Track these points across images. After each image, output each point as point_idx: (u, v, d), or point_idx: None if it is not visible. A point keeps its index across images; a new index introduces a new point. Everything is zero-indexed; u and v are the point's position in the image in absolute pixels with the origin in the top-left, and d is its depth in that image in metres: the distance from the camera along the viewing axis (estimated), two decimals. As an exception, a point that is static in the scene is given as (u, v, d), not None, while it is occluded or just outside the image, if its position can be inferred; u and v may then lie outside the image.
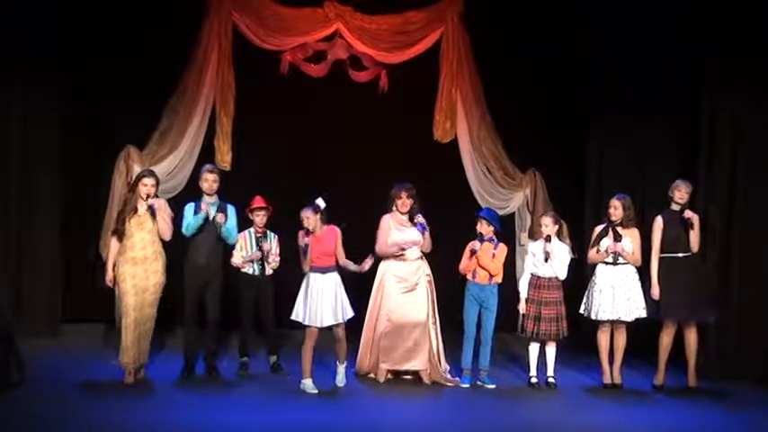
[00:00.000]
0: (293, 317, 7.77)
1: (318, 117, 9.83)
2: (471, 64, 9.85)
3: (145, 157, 9.57)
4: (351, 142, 9.82)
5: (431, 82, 9.85)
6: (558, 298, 8.06)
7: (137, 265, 7.43)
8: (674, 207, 8.04)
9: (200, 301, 8.01)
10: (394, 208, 8.07)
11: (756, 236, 8.48)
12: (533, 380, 8.14)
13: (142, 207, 7.48)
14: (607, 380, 8.14)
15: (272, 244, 8.29)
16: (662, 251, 8.05)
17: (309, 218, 7.73)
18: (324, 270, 7.75)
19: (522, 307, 8.10)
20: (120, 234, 7.55)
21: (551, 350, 8.15)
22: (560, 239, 8.08)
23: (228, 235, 8.00)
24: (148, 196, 7.51)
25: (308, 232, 7.68)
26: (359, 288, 8.20)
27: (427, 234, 8.03)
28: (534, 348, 8.16)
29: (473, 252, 8.05)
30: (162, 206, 7.69)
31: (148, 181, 7.48)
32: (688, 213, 7.96)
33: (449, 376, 8.14)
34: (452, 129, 9.90)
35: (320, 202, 7.76)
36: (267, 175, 9.50)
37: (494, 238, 8.12)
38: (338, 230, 7.85)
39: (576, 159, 9.92)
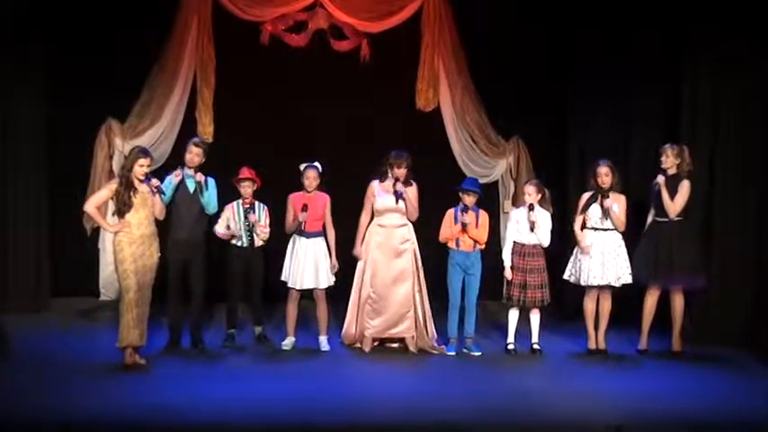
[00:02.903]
0: (282, 277, 8.03)
1: (300, 88, 9.75)
2: (453, 32, 9.77)
3: (126, 130, 9.52)
4: (332, 112, 9.77)
5: (413, 51, 9.78)
6: (541, 265, 8.08)
7: (141, 245, 7.31)
8: (670, 172, 8.03)
9: (183, 275, 7.97)
10: (390, 174, 8.03)
11: (739, 202, 8.51)
12: (510, 346, 8.19)
13: (142, 187, 7.35)
14: (592, 345, 8.18)
15: (261, 215, 8.24)
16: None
17: (310, 178, 7.86)
18: (309, 235, 7.88)
19: (507, 274, 8.11)
20: (122, 215, 7.34)
21: (535, 317, 8.18)
22: (543, 207, 8.09)
23: (209, 201, 7.90)
24: (146, 176, 7.40)
25: (303, 206, 7.69)
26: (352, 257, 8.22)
27: (410, 202, 8.00)
28: (514, 315, 8.19)
29: (464, 225, 8.02)
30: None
31: (144, 161, 7.35)
32: (660, 179, 7.98)
33: (435, 344, 8.16)
34: (435, 97, 9.84)
35: (318, 165, 7.98)
36: (249, 146, 9.40)
37: (476, 206, 8.12)
38: (328, 197, 7.93)
39: (560, 127, 9.90)
